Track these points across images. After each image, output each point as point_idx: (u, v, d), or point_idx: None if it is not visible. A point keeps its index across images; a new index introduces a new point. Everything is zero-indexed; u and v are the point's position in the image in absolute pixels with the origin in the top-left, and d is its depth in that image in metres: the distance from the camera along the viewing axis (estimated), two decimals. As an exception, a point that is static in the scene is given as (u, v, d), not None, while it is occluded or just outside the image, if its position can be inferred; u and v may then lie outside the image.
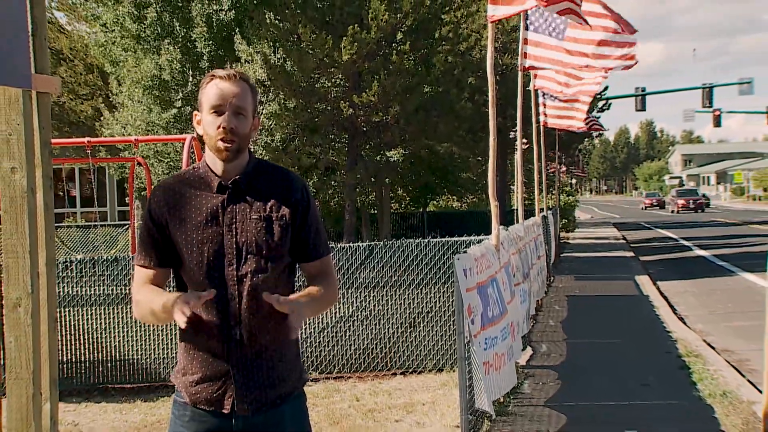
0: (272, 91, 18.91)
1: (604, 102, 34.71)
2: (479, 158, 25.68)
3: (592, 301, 14.31)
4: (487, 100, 7.27)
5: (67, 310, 9.44)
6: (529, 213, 16.44)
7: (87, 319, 9.44)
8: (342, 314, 9.32)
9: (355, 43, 17.99)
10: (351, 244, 9.58)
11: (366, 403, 7.98)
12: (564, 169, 33.26)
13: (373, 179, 21.33)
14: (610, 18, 9.88)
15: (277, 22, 19.04)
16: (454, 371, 8.23)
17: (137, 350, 9.38)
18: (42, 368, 5.38)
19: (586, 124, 17.49)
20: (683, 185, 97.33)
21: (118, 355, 9.40)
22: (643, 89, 44.62)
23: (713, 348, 9.99)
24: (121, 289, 9.46)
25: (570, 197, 40.61)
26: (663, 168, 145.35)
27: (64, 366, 9.34)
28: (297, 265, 3.00)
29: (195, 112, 2.94)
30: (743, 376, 8.40)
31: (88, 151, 16.01)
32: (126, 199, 28.49)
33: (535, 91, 15.41)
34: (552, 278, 16.66)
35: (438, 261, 9.15)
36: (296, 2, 18.98)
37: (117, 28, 20.15)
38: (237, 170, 2.88)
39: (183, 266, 2.88)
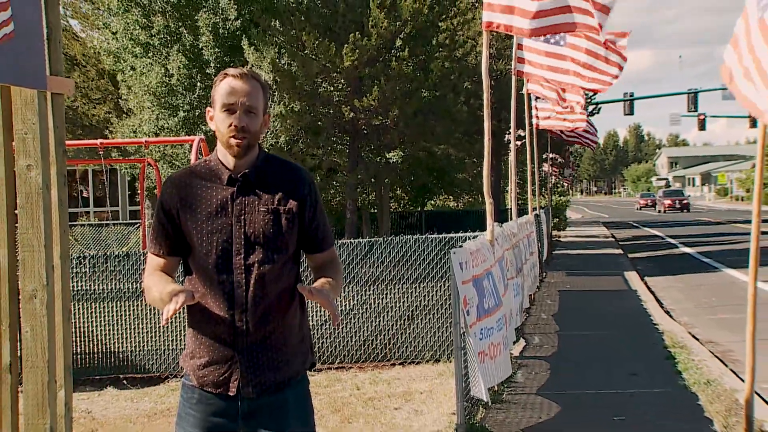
0: (278, 94, 18.90)
1: (594, 106, 34.66)
2: (475, 160, 25.70)
3: (583, 295, 14.31)
4: (482, 104, 7.25)
5: (81, 304, 9.43)
6: (522, 212, 16.40)
7: (100, 312, 9.43)
8: (343, 308, 9.31)
9: (357, 50, 18.00)
10: (352, 240, 9.58)
11: (366, 391, 7.97)
12: (556, 171, 33.20)
13: (373, 180, 21.33)
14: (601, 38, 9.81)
15: (282, 29, 19.03)
16: (450, 362, 8.22)
17: (148, 342, 9.37)
18: (57, 357, 5.39)
19: (581, 134, 17.44)
20: (669, 186, 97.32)
21: (129, 347, 9.39)
22: (632, 94, 44.55)
23: (698, 339, 9.99)
24: (131, 285, 9.46)
25: (562, 197, 40.58)
26: (650, 170, 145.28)
27: (78, 357, 9.34)
28: (301, 255, 3.00)
29: (208, 108, 2.94)
30: (726, 365, 8.40)
31: (101, 153, 16.01)
32: (137, 198, 28.48)
33: (528, 95, 15.39)
34: (544, 274, 16.66)
35: (435, 256, 9.14)
36: (301, 10, 18.98)
37: (126, 36, 20.13)
38: (247, 164, 2.88)
39: (192, 254, 2.88)
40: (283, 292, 2.87)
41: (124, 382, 9.13)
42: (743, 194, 77.99)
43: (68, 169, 6.05)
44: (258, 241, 2.82)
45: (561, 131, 17.62)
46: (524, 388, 7.55)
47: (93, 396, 8.62)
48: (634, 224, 43.57)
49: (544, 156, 28.09)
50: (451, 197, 36.32)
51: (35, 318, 5.26)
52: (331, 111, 19.66)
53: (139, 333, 9.39)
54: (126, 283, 9.50)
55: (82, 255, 9.88)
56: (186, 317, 2.92)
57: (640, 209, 68.78)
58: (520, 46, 10.85)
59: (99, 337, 9.42)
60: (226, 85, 2.85)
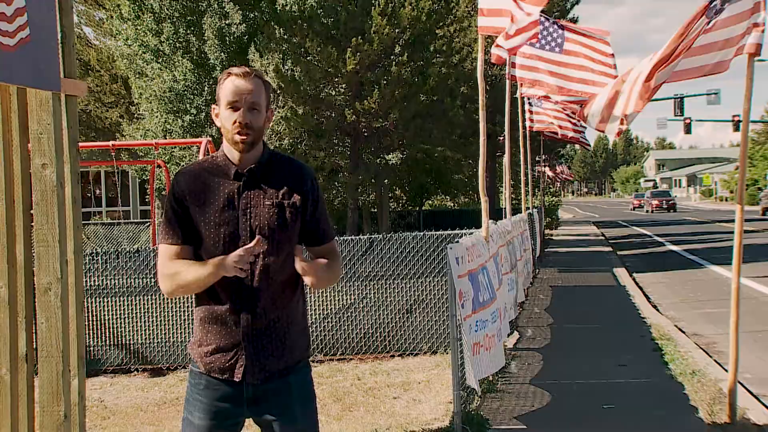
0: (282, 98, 18.90)
1: (583, 130, 34.56)
2: (470, 161, 25.67)
3: (574, 290, 14.31)
4: (478, 107, 7.25)
5: (94, 299, 9.43)
6: (516, 211, 16.42)
7: (111, 306, 9.43)
8: (344, 303, 9.31)
9: (358, 55, 18.01)
10: (352, 237, 9.58)
11: (366, 382, 7.97)
12: (551, 172, 33.18)
13: (373, 180, 21.32)
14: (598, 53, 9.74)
15: (286, 36, 19.03)
16: (447, 353, 8.23)
17: (158, 335, 9.37)
18: (70, 347, 5.39)
19: (576, 134, 17.41)
20: (657, 188, 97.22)
21: (140, 339, 9.39)
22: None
23: (684, 332, 9.99)
24: (141, 280, 9.46)
25: (554, 198, 40.58)
26: (638, 172, 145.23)
27: (91, 349, 9.33)
28: (304, 248, 3.00)
29: (213, 106, 2.95)
30: (711, 356, 8.40)
31: (113, 154, 16.00)
32: (147, 198, 28.48)
33: (522, 98, 15.38)
34: (537, 270, 16.66)
35: (432, 253, 9.14)
36: (304, 18, 18.96)
37: (138, 41, 20.14)
38: (252, 160, 2.89)
39: (202, 245, 2.88)
40: (286, 282, 2.88)
41: (135, 372, 9.13)
42: (727, 195, 77.98)
43: (82, 171, 6.06)
44: (263, 233, 2.82)
45: (554, 132, 17.59)
46: (518, 378, 7.55)
47: (105, 386, 8.62)
48: (624, 223, 43.56)
49: (538, 158, 28.09)
50: (447, 197, 36.34)
51: (50, 310, 5.27)
52: (334, 114, 19.65)
53: (149, 326, 9.39)
54: (136, 279, 9.50)
55: (94, 252, 9.87)
56: (193, 308, 2.93)
57: (634, 209, 68.49)
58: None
59: (111, 330, 9.42)
60: (230, 84, 2.85)
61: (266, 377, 2.84)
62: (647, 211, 61.26)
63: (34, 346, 5.41)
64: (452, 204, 38.28)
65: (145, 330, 9.39)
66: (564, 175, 34.26)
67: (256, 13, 19.91)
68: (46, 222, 5.26)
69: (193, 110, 19.64)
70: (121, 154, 23.04)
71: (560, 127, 16.62)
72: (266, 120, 2.90)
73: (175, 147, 19.86)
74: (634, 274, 16.93)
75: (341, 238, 9.47)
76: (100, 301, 9.44)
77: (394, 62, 19.19)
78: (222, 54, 19.23)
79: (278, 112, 19.07)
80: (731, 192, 78.09)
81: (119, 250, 9.91)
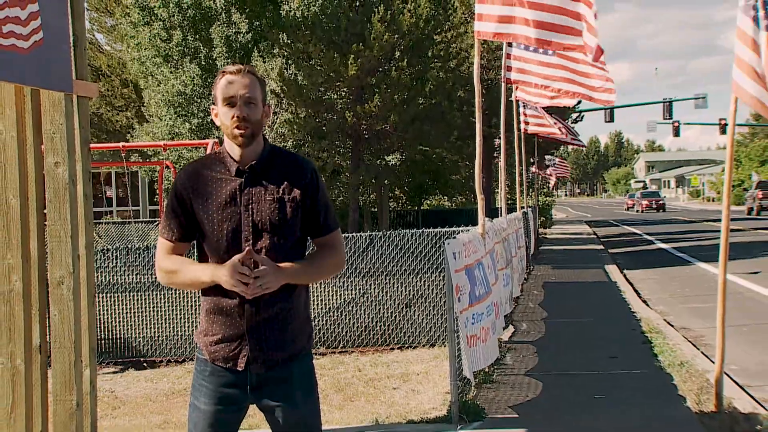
0: (285, 102, 18.90)
1: (577, 114, 34.62)
2: (467, 162, 25.69)
3: (567, 286, 14.30)
4: (475, 110, 7.25)
5: (105, 294, 9.42)
6: (511, 210, 16.40)
7: (122, 301, 9.44)
8: (345, 298, 9.31)
9: (359, 60, 18.01)
10: (354, 234, 9.58)
11: (367, 373, 7.97)
12: (547, 173, 33.13)
13: (373, 180, 21.32)
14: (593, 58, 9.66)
15: (290, 42, 19.04)
16: (445, 346, 8.23)
17: (166, 329, 9.38)
18: (82, 338, 5.40)
19: (569, 137, 17.41)
20: (647, 188, 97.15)
21: (149, 333, 9.40)
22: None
23: (672, 326, 9.99)
24: (150, 277, 9.46)
25: (548, 198, 40.58)
26: (629, 173, 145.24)
27: (102, 342, 9.33)
28: (307, 239, 3.00)
29: (212, 107, 2.94)
30: (698, 349, 8.39)
31: (123, 155, 16.00)
32: (156, 198, 28.47)
33: (517, 101, 15.37)
34: (531, 267, 16.65)
35: (431, 249, 9.13)
36: (306, 24, 18.97)
37: (149, 47, 20.16)
38: (253, 156, 2.88)
39: (206, 241, 2.87)
40: None
41: (144, 364, 9.13)
42: (714, 195, 77.96)
43: (93, 172, 6.08)
44: (265, 228, 2.82)
45: (549, 134, 17.58)
46: (513, 370, 7.55)
47: (116, 377, 8.63)
48: (615, 223, 43.56)
49: (532, 159, 28.06)
50: (445, 197, 36.34)
51: (62, 303, 5.27)
52: (335, 117, 19.65)
53: (158, 320, 9.39)
54: (146, 276, 9.50)
55: (105, 248, 9.88)
56: (200, 300, 2.93)
57: (628, 209, 68.05)
58: (508, 56, 10.83)
59: (121, 324, 9.42)
60: (225, 82, 2.85)
61: (269, 366, 2.84)
62: (637, 211, 61.25)
63: (48, 338, 5.41)
64: (450, 204, 38.27)
65: (154, 324, 9.39)
66: (560, 169, 34.13)
67: (261, 21, 19.92)
68: (59, 218, 5.27)
69: (201, 113, 19.66)
70: (131, 156, 23.04)
71: (556, 129, 16.60)
72: (263, 114, 2.90)
73: (182, 148, 19.85)
74: (625, 271, 16.92)
75: (342, 235, 9.46)
76: (110, 297, 9.44)
77: (393, 67, 19.20)
78: (229, 60, 19.23)
79: (281, 115, 19.08)
80: (718, 192, 77.98)
81: (129, 246, 9.91)
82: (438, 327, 9.08)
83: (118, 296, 9.45)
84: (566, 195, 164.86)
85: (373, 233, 9.48)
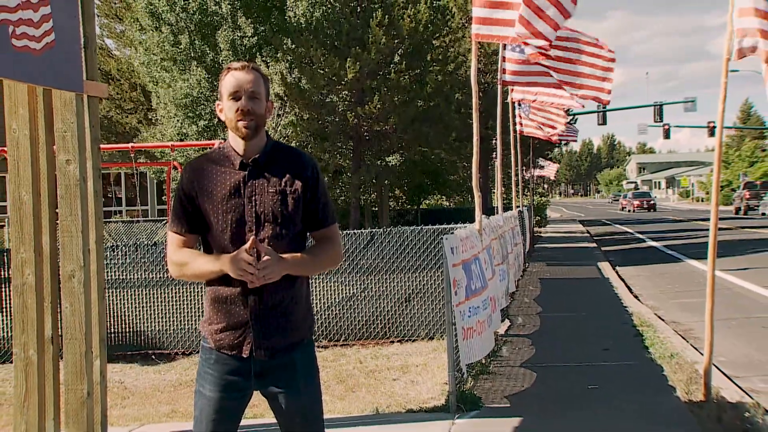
0: (288, 104, 18.91)
1: (571, 117, 34.60)
2: (465, 163, 25.69)
3: (561, 282, 14.30)
4: (472, 112, 7.25)
5: (114, 290, 9.42)
6: (507, 209, 16.43)
7: (131, 297, 9.44)
8: (347, 294, 9.31)
9: (359, 64, 18.01)
10: (355, 231, 9.58)
11: (368, 365, 7.97)
12: (541, 173, 33.15)
13: (374, 180, 21.33)
14: (593, 56, 9.68)
15: (293, 46, 19.05)
16: (443, 339, 8.22)
17: (173, 323, 9.38)
18: (93, 330, 5.40)
19: (561, 133, 17.37)
20: (638, 189, 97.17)
21: (157, 326, 9.40)
22: (605, 106, 44.50)
23: (663, 320, 9.98)
24: (157, 274, 9.46)
25: (542, 198, 40.60)
26: (621, 174, 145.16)
27: (112, 336, 9.33)
28: (307, 234, 3.00)
29: (217, 102, 2.94)
30: (687, 341, 8.39)
31: (132, 155, 16.00)
32: (164, 198, 28.48)
33: (512, 103, 15.37)
34: (527, 264, 16.64)
35: (430, 245, 9.13)
36: (309, 29, 18.98)
37: (158, 51, 20.15)
38: (256, 149, 2.88)
39: (210, 232, 2.87)
40: None
41: (153, 357, 9.13)
42: (703, 196, 78.01)
43: (103, 173, 6.08)
44: (268, 219, 2.82)
45: (543, 135, 17.56)
46: (509, 361, 7.55)
47: (125, 369, 8.63)
48: (607, 222, 43.54)
49: (527, 160, 28.06)
50: (443, 197, 36.35)
51: (74, 295, 5.28)
52: (337, 119, 19.66)
53: (165, 314, 9.40)
54: (153, 272, 9.50)
55: (115, 245, 9.88)
56: (204, 292, 2.93)
57: (623, 209, 67.83)
58: (504, 59, 10.83)
59: (130, 319, 9.43)
60: (230, 77, 2.86)
61: (272, 354, 2.84)
62: (629, 211, 61.23)
63: (59, 330, 5.42)
64: (448, 203, 38.29)
65: (162, 318, 9.40)
66: (547, 170, 34.17)
67: (266, 26, 19.92)
68: (70, 214, 5.27)
69: (207, 115, 19.66)
70: (139, 156, 23.03)
71: (550, 127, 16.58)
72: (266, 110, 2.90)
73: (190, 149, 19.84)
74: (617, 268, 16.92)
75: (344, 232, 9.47)
76: (120, 293, 9.44)
77: (393, 70, 19.21)
78: (234, 63, 19.22)
79: (285, 117, 19.09)
80: (707, 193, 78.05)
81: (137, 243, 9.92)
82: (436, 321, 9.08)
83: (126, 291, 9.45)
84: (560, 195, 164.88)
85: (374, 230, 9.48)
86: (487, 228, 7.79)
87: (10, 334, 8.50)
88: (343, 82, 18.80)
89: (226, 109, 2.87)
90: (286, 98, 18.68)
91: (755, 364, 7.43)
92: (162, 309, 9.42)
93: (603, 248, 22.91)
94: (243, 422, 2.95)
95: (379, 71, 19.35)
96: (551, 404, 5.98)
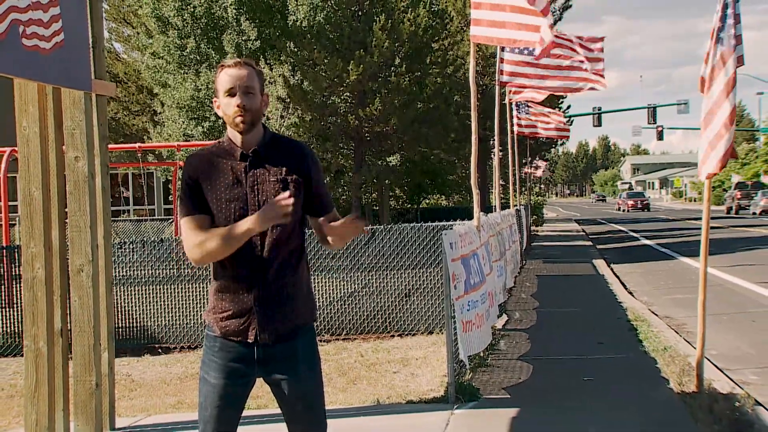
0: (291, 106, 18.91)
1: (567, 119, 34.59)
2: (464, 163, 25.70)
3: (558, 279, 14.29)
4: (470, 113, 7.24)
5: (123, 286, 9.42)
6: (505, 208, 16.40)
7: (138, 292, 9.45)
8: (348, 290, 9.32)
9: (361, 66, 18.01)
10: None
11: (369, 358, 7.97)
12: (538, 171, 33.13)
13: (375, 180, 21.34)
14: (582, 49, 9.73)
15: (296, 49, 19.05)
16: (442, 333, 8.21)
17: (179, 318, 9.39)
18: (101, 323, 5.41)
19: (556, 128, 17.34)
20: (632, 189, 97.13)
21: (164, 321, 9.41)
22: (600, 109, 44.53)
23: (656, 315, 9.97)
24: (164, 271, 9.47)
25: (539, 197, 40.59)
26: (616, 175, 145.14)
27: (120, 330, 9.33)
28: (306, 223, 3.00)
29: (214, 99, 2.95)
30: (680, 335, 8.39)
31: (139, 155, 16.00)
32: (170, 197, 28.49)
33: (510, 104, 15.36)
34: (524, 261, 16.61)
35: (429, 241, 9.13)
36: (312, 33, 18.98)
37: (164, 54, 20.16)
38: (255, 141, 2.89)
39: (214, 221, 2.87)
40: (293, 251, 2.89)
41: (159, 350, 9.14)
42: (696, 196, 77.96)
43: (111, 173, 6.06)
44: None
45: (538, 135, 17.54)
46: (506, 355, 7.55)
47: (132, 362, 8.63)
48: (602, 221, 43.52)
49: (524, 160, 28.06)
50: (443, 196, 36.34)
51: (82, 289, 5.29)
52: (339, 120, 19.67)
53: (171, 309, 9.40)
54: (160, 270, 9.51)
55: (123, 241, 9.89)
56: (209, 284, 2.93)
57: (619, 209, 67.50)
58: (502, 60, 10.82)
59: (138, 314, 9.44)
60: (225, 75, 2.87)
61: (276, 338, 2.85)
62: (624, 211, 61.16)
63: (68, 323, 5.42)
64: (447, 202, 38.29)
65: (168, 314, 9.40)
66: (543, 171, 34.21)
67: (270, 30, 19.93)
68: (79, 209, 5.28)
69: (212, 117, 19.67)
70: (146, 157, 23.04)
71: (544, 129, 16.57)
72: (262, 103, 2.91)
73: (196, 149, 19.85)
74: (612, 265, 16.91)
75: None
76: (127, 289, 9.44)
77: (393, 73, 19.21)
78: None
79: (288, 118, 19.09)
80: (699, 193, 77.89)
81: (144, 239, 9.93)
82: (436, 315, 9.08)
83: (133, 288, 9.46)
84: (557, 196, 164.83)
85: (375, 227, 9.48)
86: (485, 225, 7.79)
87: (22, 329, 8.52)
88: (344, 84, 18.80)
89: (223, 106, 2.88)
90: (289, 100, 18.68)
91: (746, 357, 7.43)
92: (168, 305, 9.42)
93: (598, 246, 22.90)
94: (247, 413, 2.96)
95: (379, 74, 19.35)
96: (548, 395, 5.98)
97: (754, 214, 40.88)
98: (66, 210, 5.29)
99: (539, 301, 11.22)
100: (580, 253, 20.00)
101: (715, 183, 60.58)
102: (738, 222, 33.46)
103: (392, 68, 19.51)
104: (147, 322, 9.44)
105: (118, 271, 9.34)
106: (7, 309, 9.41)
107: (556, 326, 9.14)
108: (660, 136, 49.53)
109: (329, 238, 2.93)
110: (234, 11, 19.73)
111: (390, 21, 18.71)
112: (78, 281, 5.27)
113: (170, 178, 22.30)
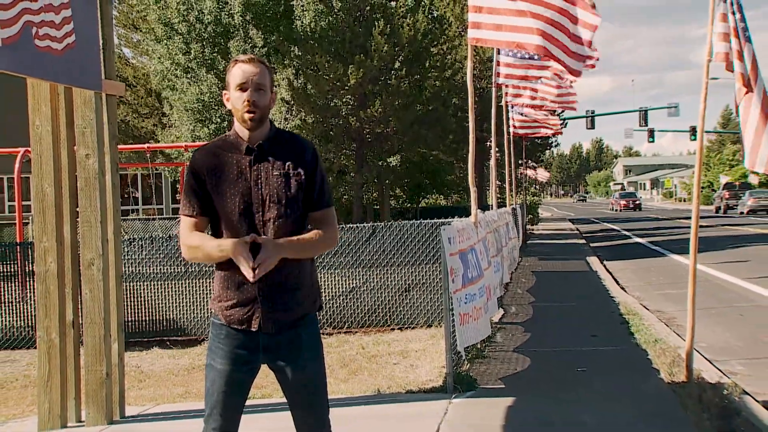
0: (295, 108, 18.92)
1: (561, 122, 34.55)
2: (462, 164, 25.72)
3: (553, 275, 14.28)
4: (468, 115, 7.23)
5: (133, 281, 9.42)
6: (502, 207, 16.38)
7: (148, 288, 9.45)
8: (350, 286, 9.32)
9: (362, 70, 18.01)
10: (357, 225, 9.58)
11: (370, 350, 7.97)
12: (533, 172, 33.15)
13: (376, 180, 21.35)
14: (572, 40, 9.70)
15: (300, 54, 19.05)
16: (440, 326, 8.21)
17: (186, 312, 9.39)
18: (111, 315, 5.41)
19: (551, 126, 17.30)
20: (624, 190, 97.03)
21: (172, 316, 9.41)
22: (593, 112, 44.52)
23: (648, 309, 9.96)
24: (173, 268, 9.47)
25: (535, 197, 40.58)
26: (608, 176, 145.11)
27: (130, 324, 9.32)
28: (307, 218, 2.99)
29: (224, 92, 2.94)
30: (670, 328, 8.38)
31: (148, 156, 16.01)
32: (178, 197, 28.50)
33: (506, 105, 15.35)
34: (520, 258, 16.60)
35: (428, 238, 9.13)
36: (315, 38, 18.98)
37: (169, 59, 20.16)
38: (260, 137, 2.89)
39: (219, 214, 2.88)
40: None
41: (168, 343, 9.14)
42: (686, 196, 77.93)
43: (121, 173, 6.07)
44: (273, 200, 2.83)
45: (535, 134, 17.53)
46: (503, 347, 7.55)
47: (141, 354, 8.64)
48: (596, 220, 43.51)
49: (520, 161, 28.05)
50: (441, 196, 36.33)
51: (93, 282, 5.29)
52: (340, 122, 19.68)
53: (180, 303, 9.41)
54: (168, 266, 9.51)
55: (132, 238, 9.89)
56: (214, 274, 2.93)
57: (612, 209, 67.33)
58: (498, 63, 10.83)
59: (147, 307, 9.44)
60: (238, 69, 2.86)
61: (279, 327, 2.85)
62: (616, 210, 61.13)
63: (80, 315, 5.43)
64: (445, 202, 38.28)
65: (176, 309, 9.41)
66: (540, 177, 34.21)
67: (275, 36, 19.92)
68: (90, 205, 5.29)
69: (218, 119, 19.67)
70: (155, 157, 23.04)
71: (539, 127, 16.55)
72: (271, 100, 2.91)
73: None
74: (605, 262, 16.90)
75: (346, 227, 9.48)
76: (138, 284, 9.44)
77: (393, 76, 19.22)
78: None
79: (291, 121, 19.09)
80: (689, 194, 77.98)
81: (153, 236, 9.93)
82: (434, 309, 9.08)
83: (143, 283, 9.46)
84: (551, 196, 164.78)
85: (375, 224, 9.48)
86: (482, 221, 7.78)
87: (35, 323, 8.53)
88: (346, 87, 18.80)
89: (233, 100, 2.87)
90: (292, 102, 18.69)
91: (733, 349, 7.44)
92: (176, 299, 9.42)
93: (592, 244, 22.89)
94: (252, 402, 2.96)
95: (380, 77, 19.35)
96: (543, 386, 5.98)
97: (741, 213, 40.91)
98: (77, 206, 5.30)
99: (535, 296, 11.21)
100: (575, 251, 19.99)
101: (704, 184, 60.58)
102: (726, 221, 33.46)
103: (392, 72, 19.52)
104: (156, 316, 9.44)
105: (128, 268, 9.34)
106: (22, 304, 9.42)
107: (551, 320, 9.14)
108: (651, 138, 49.46)
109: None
110: (240, 18, 19.73)
111: (390, 26, 18.71)
112: (89, 275, 5.28)
113: (178, 178, 22.30)
